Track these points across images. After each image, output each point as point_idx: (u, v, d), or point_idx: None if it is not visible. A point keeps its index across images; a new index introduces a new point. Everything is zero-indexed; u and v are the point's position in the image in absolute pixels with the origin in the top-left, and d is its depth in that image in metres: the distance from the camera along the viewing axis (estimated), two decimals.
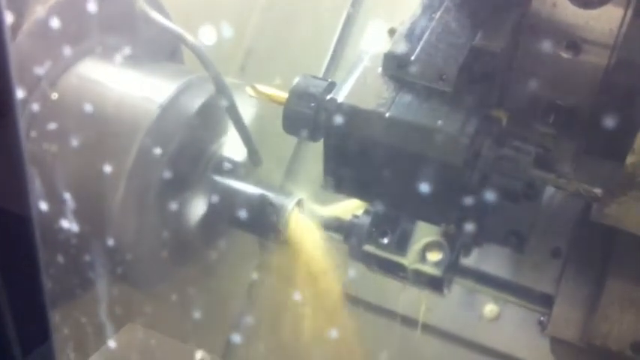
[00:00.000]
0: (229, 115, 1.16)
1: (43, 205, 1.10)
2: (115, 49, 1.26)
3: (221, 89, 1.13)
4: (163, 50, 1.38)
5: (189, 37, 1.15)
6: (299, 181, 1.41)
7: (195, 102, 1.18)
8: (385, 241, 1.01)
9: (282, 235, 1.17)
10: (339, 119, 0.83)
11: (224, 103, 1.15)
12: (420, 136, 0.81)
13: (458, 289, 1.35)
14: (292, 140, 1.42)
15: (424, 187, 0.83)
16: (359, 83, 0.85)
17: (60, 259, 1.15)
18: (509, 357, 1.32)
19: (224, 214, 1.24)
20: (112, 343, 1.21)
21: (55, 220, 1.13)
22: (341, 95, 0.84)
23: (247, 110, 1.23)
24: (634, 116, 0.90)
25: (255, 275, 1.46)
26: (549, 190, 1.30)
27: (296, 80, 0.89)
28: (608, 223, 1.06)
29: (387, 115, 0.82)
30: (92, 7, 1.19)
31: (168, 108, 1.14)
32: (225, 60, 1.29)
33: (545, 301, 1.29)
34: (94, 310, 1.21)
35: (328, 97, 0.85)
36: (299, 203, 1.18)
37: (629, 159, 0.93)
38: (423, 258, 0.99)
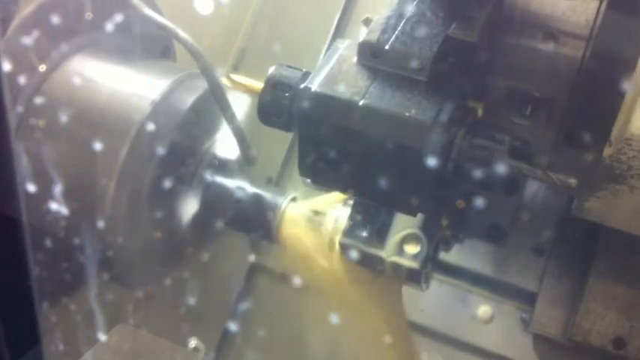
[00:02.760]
0: (222, 112, 1.15)
1: (34, 204, 1.10)
2: (107, 46, 1.25)
3: (214, 86, 1.12)
4: (156, 48, 1.37)
5: (181, 32, 1.14)
6: (293, 178, 1.41)
7: (187, 99, 1.17)
8: (363, 233, 1.00)
9: (276, 234, 1.15)
10: (312, 108, 0.83)
11: (217, 100, 1.14)
12: (393, 124, 0.80)
13: (450, 290, 1.35)
14: (286, 138, 1.41)
15: (398, 176, 0.83)
16: (333, 72, 0.85)
17: (51, 257, 1.14)
18: (503, 358, 1.32)
19: (216, 212, 1.22)
20: (103, 343, 1.20)
21: (46, 218, 1.13)
22: (315, 84, 0.84)
23: (241, 107, 1.22)
24: (610, 107, 0.90)
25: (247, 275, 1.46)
26: (532, 188, 1.30)
27: (271, 70, 0.89)
28: (589, 218, 1.05)
29: (361, 103, 0.81)
30: (83, 3, 1.19)
31: (161, 105, 1.13)
32: (217, 59, 1.28)
33: (528, 298, 1.29)
34: (86, 309, 1.20)
35: (302, 85, 0.84)
36: (293, 201, 1.17)
37: (607, 151, 0.93)
38: (400, 250, 0.99)
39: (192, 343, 1.35)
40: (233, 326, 1.43)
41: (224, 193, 1.21)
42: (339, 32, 1.45)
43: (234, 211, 1.20)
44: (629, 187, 0.99)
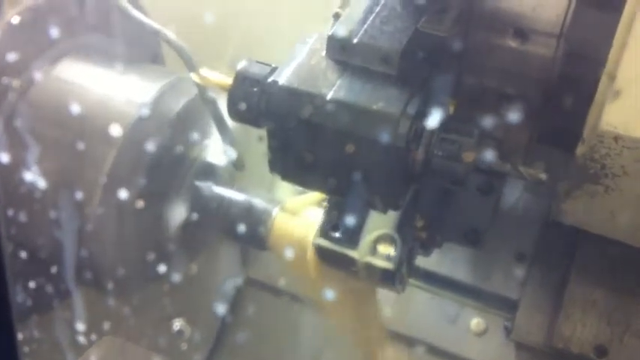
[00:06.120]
0: (212, 117, 1.14)
1: (17, 211, 1.08)
2: (96, 51, 1.25)
3: (203, 89, 1.11)
4: (145, 53, 1.37)
5: (171, 34, 1.13)
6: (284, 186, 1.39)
7: (177, 103, 1.16)
8: (337, 234, 0.99)
9: (266, 241, 1.14)
10: (279, 101, 0.82)
11: (206, 104, 1.13)
12: (360, 117, 0.79)
13: (443, 302, 1.34)
14: None
15: (367, 171, 0.82)
16: (302, 66, 0.84)
17: (36, 267, 1.13)
18: None
19: (206, 219, 1.21)
20: (89, 355, 1.18)
21: (30, 224, 1.11)
22: (282, 77, 0.83)
23: None
24: (582, 105, 0.89)
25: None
26: (514, 193, 1.29)
27: (240, 64, 0.88)
28: (567, 221, 1.04)
29: (329, 97, 0.81)
30: (71, 9, 1.19)
31: (150, 109, 1.12)
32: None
33: (510, 306, 1.28)
34: (71, 321, 1.18)
35: (270, 79, 0.84)
36: (282, 209, 1.16)
37: (580, 149, 0.92)
38: (374, 251, 0.97)
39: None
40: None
41: (213, 199, 1.20)
42: None
43: (224, 217, 1.18)
44: (604, 187, 0.98)
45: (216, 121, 1.15)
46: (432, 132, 0.81)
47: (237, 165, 1.21)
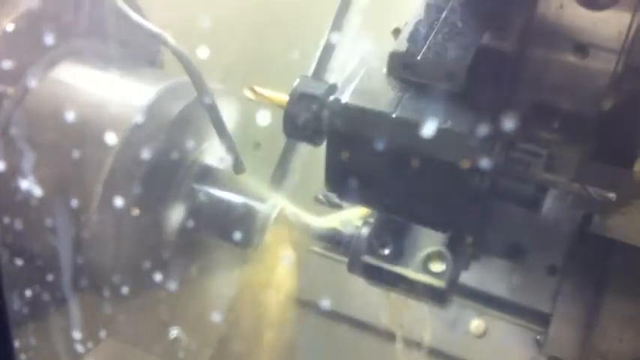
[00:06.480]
0: (211, 119, 1.13)
1: (14, 218, 1.07)
2: (92, 55, 1.23)
3: (202, 93, 1.10)
4: (142, 59, 1.35)
5: (169, 38, 1.12)
6: (283, 190, 1.38)
7: (175, 107, 1.16)
8: (386, 251, 0.98)
9: (263, 244, 1.12)
10: (343, 120, 0.80)
11: (206, 107, 1.11)
12: (427, 136, 0.78)
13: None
14: (276, 148, 1.39)
15: (432, 191, 0.80)
16: (363, 84, 0.83)
17: (33, 274, 1.10)
18: None
19: (204, 222, 1.20)
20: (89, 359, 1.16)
21: (27, 232, 1.10)
22: (345, 96, 0.81)
23: (230, 116, 1.20)
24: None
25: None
26: (545, 205, 1.28)
27: (296, 82, 0.86)
28: (610, 235, 1.03)
29: (394, 115, 0.79)
30: (67, 14, 1.17)
31: (147, 113, 1.11)
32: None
33: (542, 320, 1.27)
34: (70, 326, 1.16)
35: (332, 97, 0.82)
36: (281, 212, 1.15)
37: (638, 165, 0.91)
38: (425, 269, 0.96)
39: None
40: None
41: (212, 203, 1.18)
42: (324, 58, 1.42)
43: (221, 221, 1.18)
44: None
45: (216, 124, 1.14)
46: (500, 151, 0.79)
47: (237, 168, 1.19)
